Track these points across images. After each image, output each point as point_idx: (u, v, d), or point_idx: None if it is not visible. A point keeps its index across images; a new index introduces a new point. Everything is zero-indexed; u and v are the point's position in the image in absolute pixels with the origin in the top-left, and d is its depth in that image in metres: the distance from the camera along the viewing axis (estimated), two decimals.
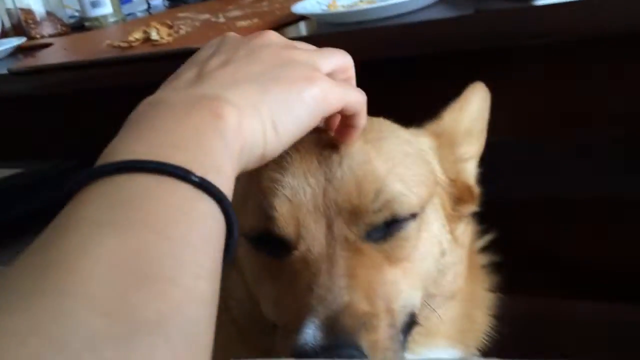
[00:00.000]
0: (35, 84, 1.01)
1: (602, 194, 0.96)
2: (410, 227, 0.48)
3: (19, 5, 1.45)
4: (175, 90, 0.38)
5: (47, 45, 1.24)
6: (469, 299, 0.56)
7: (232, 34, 0.46)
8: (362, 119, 0.46)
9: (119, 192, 0.29)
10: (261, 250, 0.48)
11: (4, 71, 1.04)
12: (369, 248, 0.46)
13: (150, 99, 0.37)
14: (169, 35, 0.96)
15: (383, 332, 0.42)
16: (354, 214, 0.46)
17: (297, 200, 0.46)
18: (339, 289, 0.42)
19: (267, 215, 0.46)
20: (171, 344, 0.24)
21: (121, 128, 0.35)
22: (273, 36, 0.45)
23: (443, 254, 0.52)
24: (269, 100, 0.38)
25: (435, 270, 0.51)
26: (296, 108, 0.39)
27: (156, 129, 0.33)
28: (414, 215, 0.48)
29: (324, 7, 0.85)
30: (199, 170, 0.31)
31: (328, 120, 0.48)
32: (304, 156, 0.48)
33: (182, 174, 0.30)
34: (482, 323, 0.57)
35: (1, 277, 0.26)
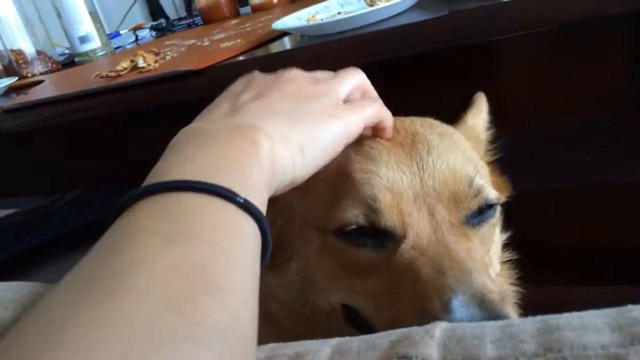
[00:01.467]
0: (28, 119, 1.03)
1: (593, 182, 0.97)
2: (496, 213, 0.52)
3: (9, 47, 1.48)
4: (213, 121, 0.42)
5: (38, 83, 1.26)
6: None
7: (257, 72, 0.50)
8: (387, 122, 0.51)
9: (172, 208, 0.31)
10: (359, 246, 0.48)
11: None
12: (469, 232, 0.49)
13: (190, 127, 0.41)
14: (156, 61, 0.98)
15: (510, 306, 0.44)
16: (453, 199, 0.48)
17: (397, 189, 0.47)
18: (470, 270, 0.43)
19: (369, 208, 0.47)
20: (230, 353, 0.26)
21: (164, 152, 0.38)
22: (297, 72, 0.50)
23: (500, 241, 0.56)
24: (298, 131, 0.42)
25: (497, 256, 0.54)
26: (322, 140, 0.44)
27: (201, 154, 0.36)
28: (497, 203, 0.52)
29: (304, 22, 0.87)
30: (242, 192, 0.33)
31: None
32: (389, 148, 0.50)
33: (229, 195, 0.33)
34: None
35: (66, 278, 0.28)
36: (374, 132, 0.51)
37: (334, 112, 0.45)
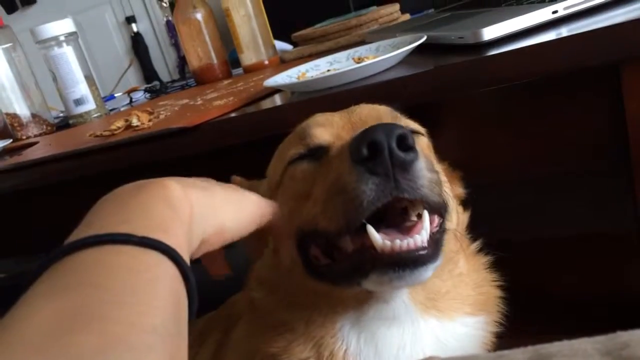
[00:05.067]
0: (23, 179, 1.03)
1: (586, 231, 0.97)
2: (425, 140, 0.61)
3: (4, 110, 1.50)
4: (124, 186, 0.43)
5: (33, 144, 1.28)
6: (475, 275, 0.63)
7: None
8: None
9: (63, 268, 0.33)
10: (301, 163, 0.57)
11: None
12: None
13: (102, 198, 0.42)
14: (150, 120, 1.00)
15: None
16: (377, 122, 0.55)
17: (328, 123, 0.58)
18: None
19: (305, 138, 0.58)
20: None
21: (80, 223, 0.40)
22: None
23: (445, 187, 0.58)
24: (218, 192, 0.46)
25: (444, 199, 0.56)
26: (243, 202, 0.49)
27: (106, 214, 0.38)
28: (422, 133, 0.62)
29: (294, 79, 0.90)
30: (143, 233, 0.35)
31: None
32: (325, 114, 0.62)
33: (123, 238, 0.34)
34: (493, 293, 0.63)
35: None
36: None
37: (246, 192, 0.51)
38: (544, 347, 0.25)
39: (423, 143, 0.60)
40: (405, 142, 0.46)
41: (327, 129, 0.57)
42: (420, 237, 0.48)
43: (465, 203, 0.68)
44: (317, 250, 0.54)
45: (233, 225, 0.46)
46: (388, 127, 0.46)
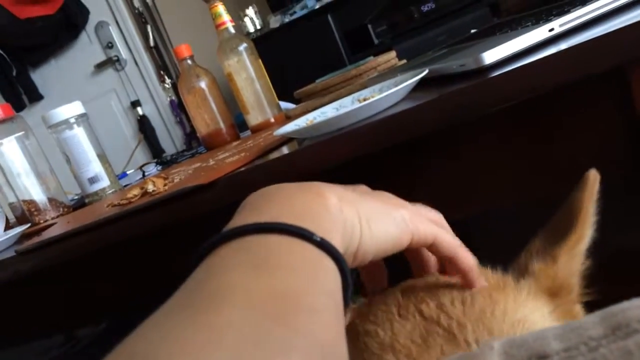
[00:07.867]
0: (44, 257, 1.03)
1: (604, 250, 0.95)
2: None
3: (20, 197, 1.52)
4: (279, 185, 0.44)
5: (51, 225, 1.29)
6: None
7: None
8: (466, 261, 0.46)
9: (254, 245, 0.33)
10: None
11: (12, 254, 1.07)
12: None
13: (257, 191, 0.43)
14: (165, 185, 1.01)
15: None
16: None
17: None
18: None
19: None
20: None
21: (237, 211, 0.40)
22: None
23: None
24: (364, 205, 0.42)
25: None
26: (387, 221, 0.43)
27: (272, 206, 0.38)
28: None
29: (303, 126, 0.92)
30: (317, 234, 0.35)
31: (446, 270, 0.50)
32: None
33: (306, 234, 0.34)
34: None
35: (163, 306, 0.29)
36: (463, 279, 0.46)
37: (404, 204, 0.45)
38: (614, 306, 0.24)
39: None
40: None
41: None
42: None
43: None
44: None
45: (370, 249, 0.41)
46: None
